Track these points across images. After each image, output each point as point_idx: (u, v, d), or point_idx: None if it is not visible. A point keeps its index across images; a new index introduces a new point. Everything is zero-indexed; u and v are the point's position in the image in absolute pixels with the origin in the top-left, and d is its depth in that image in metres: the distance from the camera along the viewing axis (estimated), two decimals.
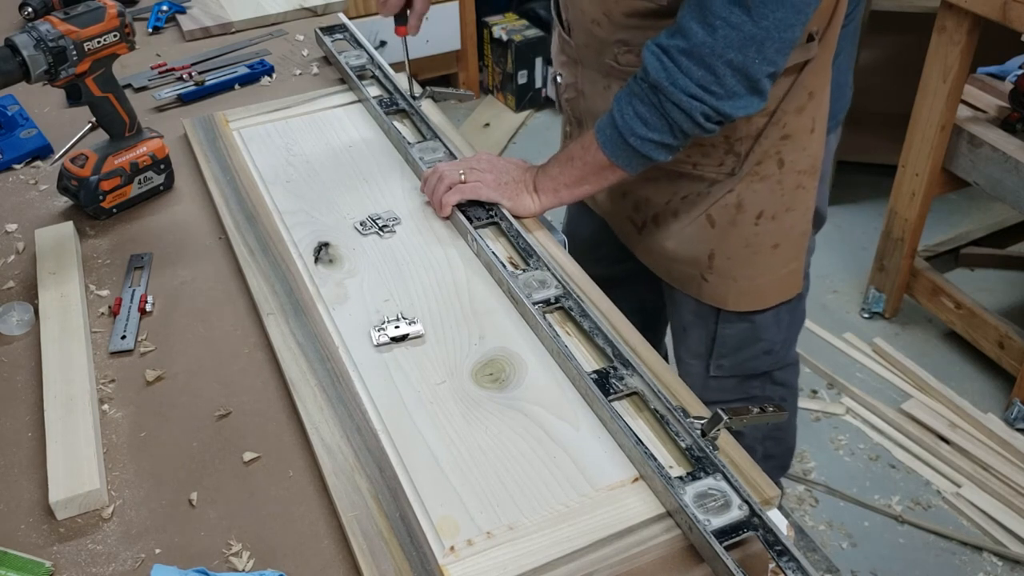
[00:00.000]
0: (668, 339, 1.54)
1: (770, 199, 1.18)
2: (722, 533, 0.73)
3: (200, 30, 1.64)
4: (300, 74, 1.51)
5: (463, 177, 1.12)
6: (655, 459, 0.79)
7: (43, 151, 1.33)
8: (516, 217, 1.12)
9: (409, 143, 1.25)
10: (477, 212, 1.12)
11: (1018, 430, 2.13)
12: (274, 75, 1.51)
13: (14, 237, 1.16)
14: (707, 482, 0.78)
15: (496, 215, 1.12)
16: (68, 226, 1.14)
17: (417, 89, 1.38)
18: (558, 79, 1.29)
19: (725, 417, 0.80)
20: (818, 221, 1.31)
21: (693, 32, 0.95)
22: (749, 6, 0.93)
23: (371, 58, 1.46)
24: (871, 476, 2.05)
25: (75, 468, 0.82)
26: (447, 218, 1.13)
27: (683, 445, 0.82)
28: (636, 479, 0.80)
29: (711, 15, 0.94)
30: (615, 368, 0.90)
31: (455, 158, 1.22)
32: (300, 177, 1.22)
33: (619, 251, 1.36)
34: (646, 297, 1.44)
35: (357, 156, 1.26)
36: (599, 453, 0.83)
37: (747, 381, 1.38)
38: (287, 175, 1.22)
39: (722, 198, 1.17)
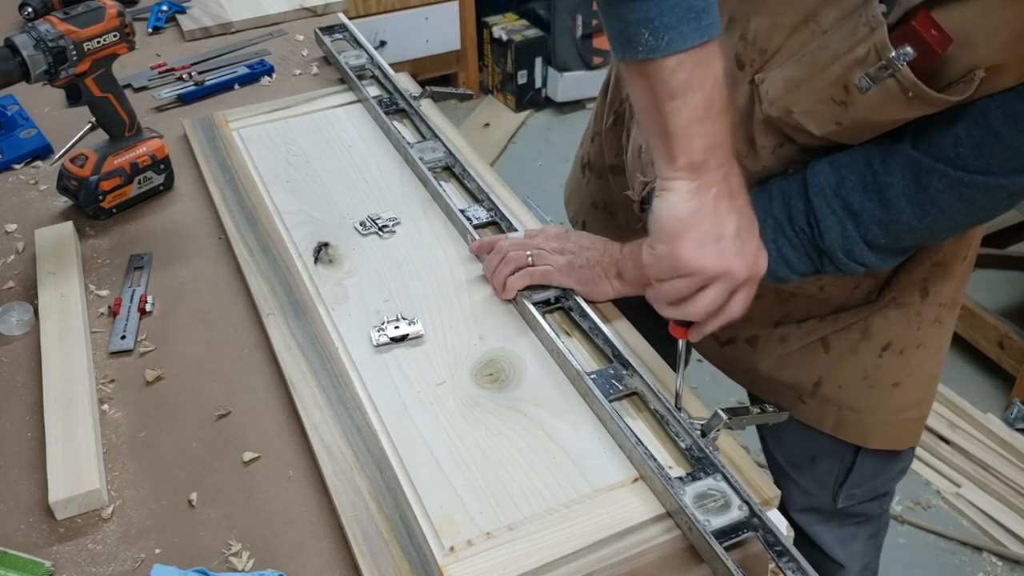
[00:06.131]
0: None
1: (903, 331, 1.01)
2: (722, 533, 0.73)
3: (200, 30, 1.64)
4: (300, 74, 1.51)
5: (530, 259, 0.98)
6: (655, 459, 0.79)
7: (43, 151, 1.32)
8: (588, 302, 0.99)
9: (409, 143, 1.25)
10: (540, 294, 0.99)
11: (1018, 430, 2.13)
12: (274, 75, 1.50)
13: (14, 237, 1.16)
14: (707, 482, 0.78)
15: (564, 300, 1.00)
16: (68, 226, 1.14)
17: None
18: None
19: (725, 417, 0.80)
20: None
21: (900, 209, 0.82)
22: (972, 204, 0.81)
23: (371, 58, 1.46)
24: None
25: (75, 468, 0.82)
26: (510, 301, 1.00)
27: (683, 445, 0.82)
28: (636, 479, 0.80)
29: (930, 204, 0.81)
30: (615, 368, 0.90)
31: (456, 159, 1.21)
32: (300, 177, 1.22)
33: None
34: None
35: (357, 156, 1.26)
36: (599, 454, 0.83)
37: (870, 503, 1.19)
38: (287, 175, 1.22)
39: (848, 326, 1.01)
